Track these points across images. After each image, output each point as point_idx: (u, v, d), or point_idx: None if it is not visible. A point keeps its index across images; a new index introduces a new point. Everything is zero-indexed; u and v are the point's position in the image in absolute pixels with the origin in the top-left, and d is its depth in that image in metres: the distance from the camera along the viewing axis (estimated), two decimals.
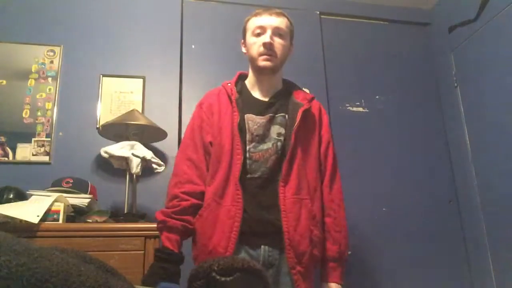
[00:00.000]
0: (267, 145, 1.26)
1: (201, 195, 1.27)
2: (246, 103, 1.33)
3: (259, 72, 1.34)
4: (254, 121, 1.29)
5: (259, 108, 1.31)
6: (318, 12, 2.51)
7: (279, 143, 1.27)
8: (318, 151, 1.35)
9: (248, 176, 1.23)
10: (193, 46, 2.27)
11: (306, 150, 1.30)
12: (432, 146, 2.44)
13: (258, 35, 1.32)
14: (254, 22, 1.34)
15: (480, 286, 2.17)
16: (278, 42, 1.32)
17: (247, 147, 1.25)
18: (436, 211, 2.31)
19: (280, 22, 1.32)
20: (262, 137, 1.27)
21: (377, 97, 2.46)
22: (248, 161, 1.24)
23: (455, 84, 2.43)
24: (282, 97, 1.36)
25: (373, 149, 2.34)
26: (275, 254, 1.20)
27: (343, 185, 2.19)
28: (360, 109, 2.41)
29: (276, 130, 1.28)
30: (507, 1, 2.06)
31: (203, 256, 1.22)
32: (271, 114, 1.30)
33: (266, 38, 1.29)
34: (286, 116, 1.31)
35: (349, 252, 2.11)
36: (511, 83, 2.02)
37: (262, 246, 1.20)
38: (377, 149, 2.34)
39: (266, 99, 1.35)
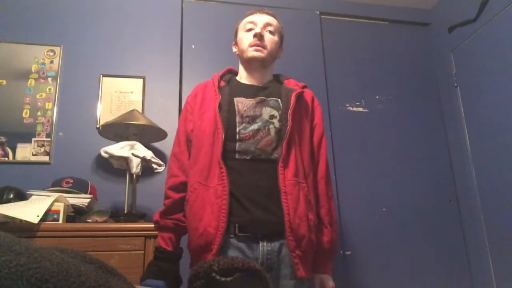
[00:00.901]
0: (258, 125, 1.24)
1: (181, 186, 1.28)
2: (235, 88, 1.34)
3: (249, 63, 1.36)
4: (243, 103, 1.28)
5: (250, 91, 1.32)
6: (318, 12, 2.52)
7: (271, 126, 1.25)
8: (311, 138, 1.36)
9: (237, 156, 1.21)
10: (193, 46, 2.27)
11: (300, 134, 1.30)
12: (432, 146, 2.44)
13: (249, 30, 1.36)
14: (245, 20, 1.39)
15: (480, 286, 2.17)
16: (268, 36, 1.36)
17: (237, 129, 1.23)
18: (436, 211, 2.31)
19: (270, 19, 1.38)
20: (253, 118, 1.25)
21: (377, 97, 2.46)
22: (238, 143, 1.22)
23: (455, 84, 2.43)
24: (274, 84, 1.39)
25: (373, 149, 2.34)
26: (274, 256, 1.16)
27: (343, 185, 2.21)
28: (360, 109, 2.41)
29: (268, 112, 1.27)
30: (507, 1, 2.06)
31: (195, 240, 1.18)
32: (262, 97, 1.30)
33: (257, 29, 1.34)
34: (279, 100, 1.30)
35: (349, 252, 2.13)
36: (511, 83, 2.02)
37: (261, 243, 1.16)
38: (377, 149, 2.35)
39: (259, 85, 1.37)
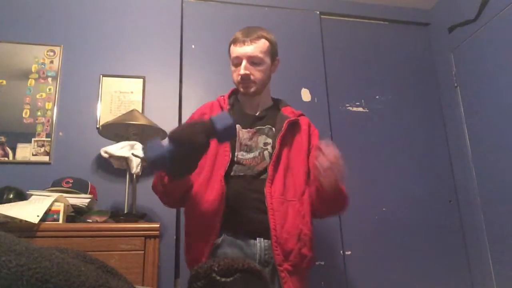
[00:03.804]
0: (254, 154, 1.33)
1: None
2: (238, 116, 1.39)
3: (243, 93, 1.41)
4: (243, 132, 1.36)
5: (248, 121, 1.39)
6: (318, 12, 2.51)
7: (265, 152, 1.33)
8: (307, 159, 1.39)
9: (232, 174, 1.29)
10: (193, 46, 2.27)
11: (292, 157, 1.36)
12: (432, 146, 2.44)
13: (236, 64, 1.37)
14: (232, 51, 1.39)
15: (480, 286, 2.17)
16: (254, 69, 1.36)
17: (236, 153, 1.32)
18: (436, 211, 2.31)
19: (254, 49, 1.34)
20: (250, 148, 1.34)
21: (377, 97, 2.46)
22: (236, 165, 1.30)
23: (455, 84, 2.43)
24: (271, 112, 1.44)
25: (373, 149, 2.34)
26: (271, 252, 1.23)
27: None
28: (360, 109, 2.41)
29: (262, 140, 1.35)
30: (507, 1, 2.06)
31: (188, 250, 1.29)
32: (258, 127, 1.37)
33: (241, 70, 1.34)
34: (273, 128, 1.38)
35: (349, 252, 2.13)
36: (511, 83, 2.02)
37: (258, 240, 1.23)
38: (377, 149, 2.35)
39: (256, 114, 1.43)
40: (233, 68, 1.39)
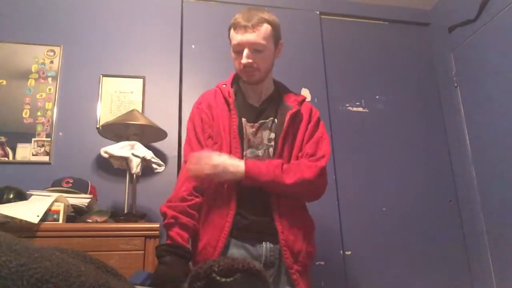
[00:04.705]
0: (261, 152, 1.30)
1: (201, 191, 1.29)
2: (242, 108, 1.35)
3: (245, 82, 1.37)
4: (248, 128, 1.32)
5: (252, 114, 1.34)
6: (318, 12, 2.51)
7: (270, 149, 1.30)
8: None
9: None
10: (193, 46, 2.27)
11: (294, 152, 1.32)
12: (432, 146, 2.44)
13: (237, 52, 1.31)
14: (232, 37, 1.32)
15: (480, 286, 2.17)
16: (257, 57, 1.29)
17: (244, 152, 1.28)
18: (436, 211, 2.31)
19: (256, 36, 1.26)
20: (256, 145, 1.30)
21: (377, 97, 2.46)
22: None
23: (455, 84, 2.43)
24: (273, 101, 1.38)
25: (373, 149, 2.34)
26: (276, 253, 1.22)
27: (343, 185, 2.21)
28: (360, 109, 2.41)
29: (266, 135, 1.31)
30: (507, 1, 2.06)
31: (194, 256, 1.24)
32: (261, 121, 1.33)
33: (243, 59, 1.28)
34: (276, 120, 1.33)
35: (349, 252, 2.13)
36: (511, 83, 2.02)
37: (264, 243, 1.22)
38: (377, 149, 2.35)
39: (258, 105, 1.37)
40: (234, 55, 1.32)
